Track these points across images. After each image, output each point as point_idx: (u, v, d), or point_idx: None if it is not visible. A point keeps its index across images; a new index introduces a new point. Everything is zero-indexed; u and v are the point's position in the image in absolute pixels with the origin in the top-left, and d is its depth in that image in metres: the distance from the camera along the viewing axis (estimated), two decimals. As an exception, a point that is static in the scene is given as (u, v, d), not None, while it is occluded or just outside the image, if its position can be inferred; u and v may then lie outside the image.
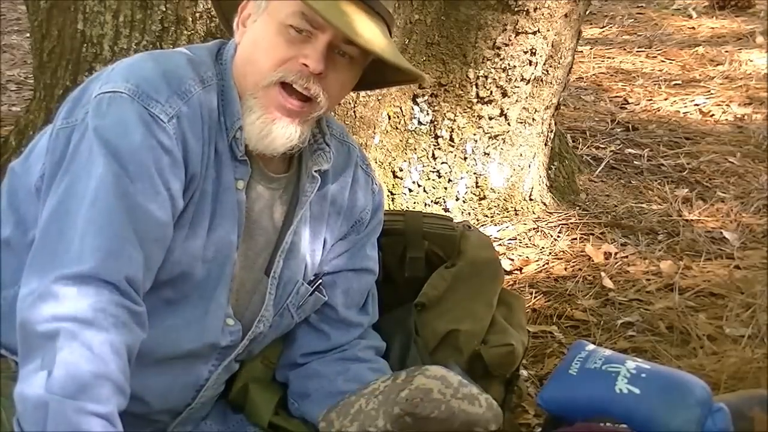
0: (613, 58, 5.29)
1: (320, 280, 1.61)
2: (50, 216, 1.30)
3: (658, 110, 4.26)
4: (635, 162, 3.56)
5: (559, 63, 2.91)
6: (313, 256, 1.59)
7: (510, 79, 2.74)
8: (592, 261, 2.69)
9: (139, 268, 1.28)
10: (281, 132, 1.39)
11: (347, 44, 1.38)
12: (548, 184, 3.15)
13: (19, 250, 1.41)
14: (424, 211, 2.65)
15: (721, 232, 2.90)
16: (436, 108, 2.71)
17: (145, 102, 1.33)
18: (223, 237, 1.43)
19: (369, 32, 1.37)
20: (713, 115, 4.16)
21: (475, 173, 2.84)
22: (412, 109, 2.69)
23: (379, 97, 2.56)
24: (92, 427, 1.17)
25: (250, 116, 1.40)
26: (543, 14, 2.69)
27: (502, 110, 2.79)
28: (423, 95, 2.68)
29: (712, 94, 4.47)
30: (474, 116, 2.75)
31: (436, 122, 2.72)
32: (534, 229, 2.90)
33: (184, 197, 1.37)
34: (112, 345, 1.21)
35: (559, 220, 2.98)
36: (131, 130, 1.31)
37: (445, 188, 2.81)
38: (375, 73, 1.50)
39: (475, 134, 2.78)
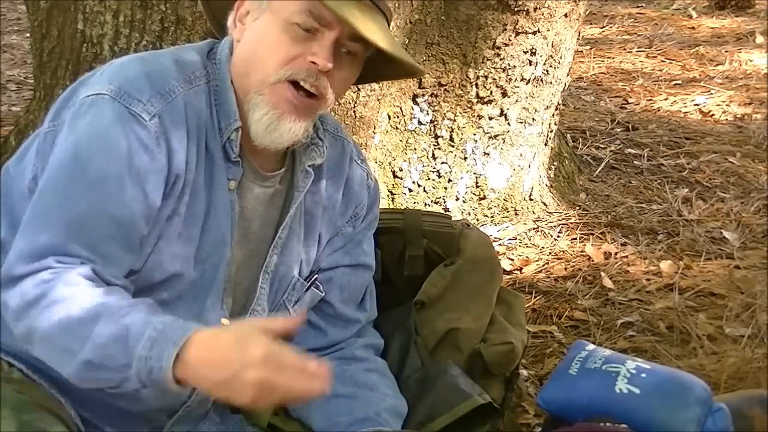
0: (613, 58, 5.29)
1: (316, 276, 1.61)
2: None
3: (658, 110, 4.26)
4: (635, 162, 3.56)
5: (559, 63, 2.91)
6: (308, 251, 1.58)
7: (510, 79, 2.74)
8: (592, 261, 2.69)
9: (77, 258, 1.29)
10: (288, 127, 1.39)
11: (352, 41, 1.38)
12: (548, 184, 3.15)
13: None
14: (422, 210, 2.64)
15: (721, 232, 2.90)
16: (436, 108, 2.71)
17: (126, 101, 1.33)
18: (216, 237, 1.43)
19: (375, 29, 1.38)
20: (713, 115, 4.16)
21: (475, 173, 2.84)
22: (412, 109, 2.69)
23: (379, 97, 2.56)
24: (132, 318, 1.20)
25: (257, 112, 1.39)
26: (543, 14, 2.69)
27: (502, 110, 2.79)
28: (423, 95, 2.68)
29: (712, 94, 4.47)
30: (474, 116, 2.75)
31: (436, 122, 2.72)
32: (534, 229, 2.90)
33: (169, 197, 1.36)
34: (69, 282, 1.24)
35: (559, 220, 2.98)
36: (106, 126, 1.32)
37: (445, 188, 2.81)
38: (372, 68, 1.50)
39: (475, 134, 2.78)
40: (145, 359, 1.17)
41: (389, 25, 1.48)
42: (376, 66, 1.48)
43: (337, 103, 2.44)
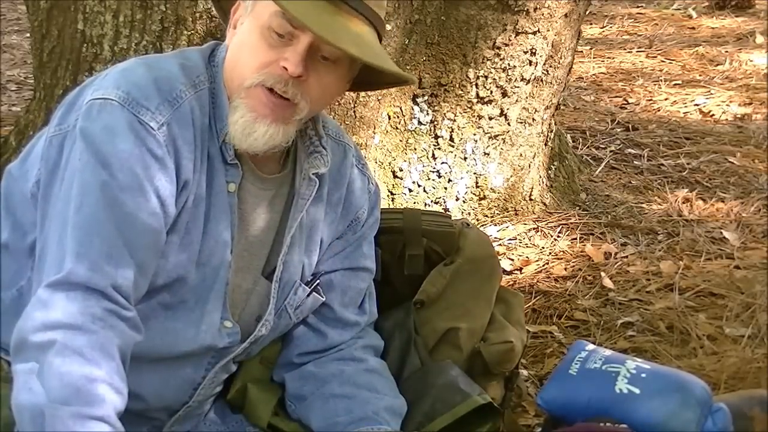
0: (613, 58, 5.29)
1: (318, 281, 1.61)
2: (47, 224, 1.32)
3: (658, 110, 4.26)
4: (635, 162, 3.56)
5: (559, 63, 2.91)
6: (310, 256, 1.59)
7: (510, 79, 2.74)
8: (592, 261, 2.69)
9: (128, 275, 1.29)
10: (263, 130, 1.38)
11: (328, 46, 1.37)
12: (548, 184, 3.15)
13: (17, 253, 1.42)
14: (422, 209, 2.64)
15: (721, 232, 2.90)
16: (436, 108, 2.70)
17: (135, 109, 1.33)
18: (217, 240, 1.43)
19: (348, 34, 1.35)
20: (713, 115, 4.16)
21: (475, 173, 2.84)
22: (412, 109, 2.69)
23: (379, 97, 2.56)
24: (90, 429, 1.17)
25: (234, 115, 1.39)
26: (543, 14, 2.69)
27: (502, 110, 2.79)
28: (423, 95, 2.68)
29: (712, 94, 4.47)
30: (474, 116, 2.75)
31: (436, 122, 2.72)
32: (534, 229, 2.90)
33: (177, 203, 1.37)
34: (103, 347, 1.22)
35: (559, 220, 2.97)
36: (120, 137, 1.31)
37: (445, 188, 2.81)
38: (370, 75, 1.49)
39: (475, 134, 2.78)
40: None
41: (379, 32, 1.43)
42: (372, 73, 1.46)
43: (336, 103, 2.45)
